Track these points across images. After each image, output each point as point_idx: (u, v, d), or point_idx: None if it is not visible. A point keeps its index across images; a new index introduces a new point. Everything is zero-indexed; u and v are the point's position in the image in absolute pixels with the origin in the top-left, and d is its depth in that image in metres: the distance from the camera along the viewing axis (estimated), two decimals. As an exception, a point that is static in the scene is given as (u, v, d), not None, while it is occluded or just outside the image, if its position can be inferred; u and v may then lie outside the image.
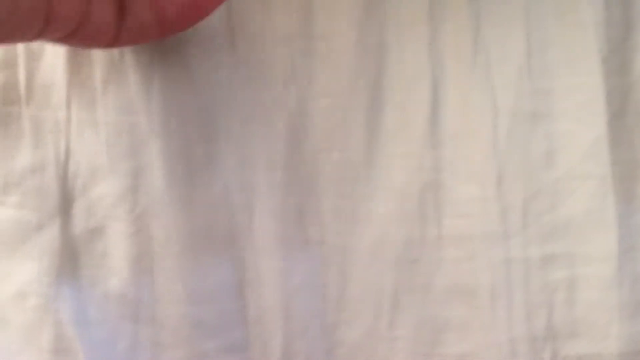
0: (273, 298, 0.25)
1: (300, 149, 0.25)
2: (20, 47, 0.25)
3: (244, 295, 0.25)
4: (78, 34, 0.21)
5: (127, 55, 0.25)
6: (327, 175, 0.25)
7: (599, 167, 0.24)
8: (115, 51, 0.25)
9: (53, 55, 0.25)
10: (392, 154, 0.25)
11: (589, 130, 0.24)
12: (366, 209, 0.25)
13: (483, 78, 0.24)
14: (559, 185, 0.24)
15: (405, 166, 0.25)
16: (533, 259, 0.24)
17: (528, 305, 0.24)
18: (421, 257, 0.25)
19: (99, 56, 0.25)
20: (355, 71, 0.25)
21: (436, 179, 0.25)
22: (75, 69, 0.25)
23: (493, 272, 0.24)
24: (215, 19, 0.25)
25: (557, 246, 0.24)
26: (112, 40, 0.22)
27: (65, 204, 0.25)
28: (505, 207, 0.24)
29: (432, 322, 0.25)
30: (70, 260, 0.25)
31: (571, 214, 0.24)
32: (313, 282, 0.25)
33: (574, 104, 0.24)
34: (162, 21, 0.22)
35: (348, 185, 0.25)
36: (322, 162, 0.25)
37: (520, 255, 0.24)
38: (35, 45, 0.25)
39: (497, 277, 0.24)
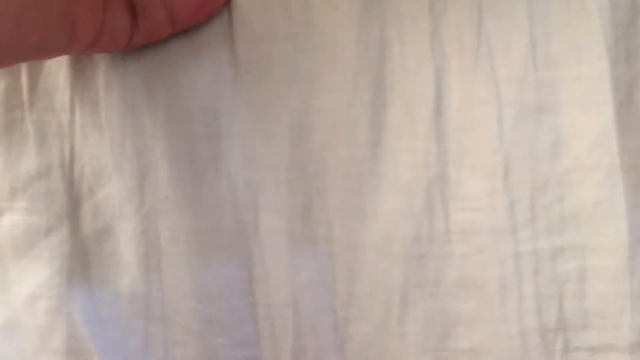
0: (282, 294, 0.25)
1: (305, 146, 0.25)
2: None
3: (253, 292, 0.25)
4: (97, 43, 0.22)
5: (129, 57, 0.25)
6: (333, 172, 0.25)
7: (607, 157, 0.23)
8: (117, 52, 0.25)
9: (55, 59, 0.25)
10: (398, 149, 0.25)
11: (595, 120, 0.24)
12: (373, 204, 0.25)
13: (487, 70, 0.24)
14: (566, 176, 0.24)
15: (410, 161, 0.25)
16: (542, 251, 0.24)
17: (538, 297, 0.24)
18: (429, 252, 0.25)
19: (101, 58, 0.25)
20: (358, 67, 0.25)
21: (442, 173, 0.25)
22: (77, 71, 0.25)
23: (502, 266, 0.24)
24: (216, 19, 0.25)
25: (567, 238, 0.24)
26: (128, 42, 0.23)
27: (73, 206, 0.25)
28: (513, 200, 0.24)
29: (442, 317, 0.25)
30: (81, 262, 0.25)
31: (580, 205, 0.24)
32: (322, 278, 0.25)
33: (580, 94, 0.24)
34: (173, 19, 0.23)
35: (354, 182, 0.25)
36: (327, 159, 0.25)
37: (529, 248, 0.24)
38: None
39: (506, 271, 0.24)
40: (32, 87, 0.25)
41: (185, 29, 0.24)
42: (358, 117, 0.25)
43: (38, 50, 0.20)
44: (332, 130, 0.25)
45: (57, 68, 0.25)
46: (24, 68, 0.25)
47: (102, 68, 0.25)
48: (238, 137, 0.25)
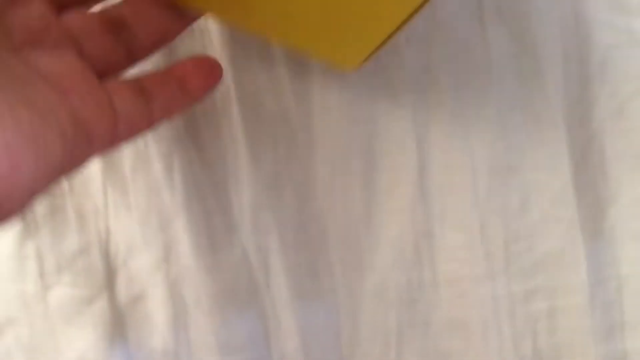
0: (293, 342, 0.29)
1: (308, 212, 0.29)
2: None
3: (268, 343, 0.29)
4: (118, 134, 0.22)
5: (150, 145, 0.28)
6: (333, 232, 0.29)
7: (567, 211, 0.27)
8: (139, 142, 0.29)
9: None
10: (389, 209, 0.28)
11: (556, 179, 0.27)
12: (370, 258, 0.29)
13: (462, 138, 0.28)
14: (534, 228, 0.28)
15: (400, 220, 0.28)
16: (516, 293, 0.28)
17: (515, 334, 0.28)
18: (420, 297, 0.28)
19: (126, 148, 0.29)
20: (350, 141, 0.28)
21: (428, 229, 0.28)
22: (107, 160, 0.29)
23: (483, 307, 0.28)
24: (221, 101, 0.28)
25: (537, 282, 0.28)
26: (149, 123, 0.23)
27: (110, 278, 0.29)
28: (489, 250, 0.28)
29: (433, 354, 0.29)
30: (119, 325, 0.29)
31: (547, 253, 0.28)
32: (328, 324, 0.29)
33: (542, 157, 0.28)
34: (187, 90, 0.24)
35: (352, 239, 0.29)
36: (328, 221, 0.29)
37: (505, 291, 0.28)
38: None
39: (486, 312, 0.28)
40: (71, 177, 0.29)
41: (200, 99, 0.25)
42: (352, 183, 0.29)
43: (62, 167, 0.19)
44: (331, 196, 0.29)
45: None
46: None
47: (127, 156, 0.28)
48: (248, 208, 0.29)
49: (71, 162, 0.20)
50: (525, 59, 0.27)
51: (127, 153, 0.28)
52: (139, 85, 0.23)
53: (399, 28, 0.21)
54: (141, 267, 0.29)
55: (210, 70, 0.25)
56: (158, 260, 0.28)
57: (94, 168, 0.29)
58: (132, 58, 0.23)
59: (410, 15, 0.21)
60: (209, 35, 0.28)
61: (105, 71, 0.22)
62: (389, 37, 0.22)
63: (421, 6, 0.20)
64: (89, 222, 0.29)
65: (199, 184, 0.28)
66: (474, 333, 0.28)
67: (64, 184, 0.29)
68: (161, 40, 0.23)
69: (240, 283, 0.29)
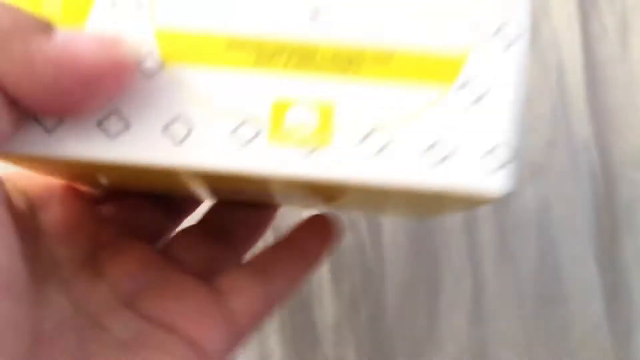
0: None
1: (381, 329, 0.34)
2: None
3: None
4: (240, 333, 0.21)
5: None
6: (401, 347, 0.34)
7: (601, 339, 0.32)
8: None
9: None
10: (449, 329, 0.34)
11: (592, 312, 0.33)
12: None
13: (509, 271, 0.34)
14: (575, 352, 0.33)
15: (459, 338, 0.34)
16: None
17: None
18: None
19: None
20: (416, 270, 0.34)
21: (482, 347, 0.33)
22: None
23: None
24: None
25: None
26: (272, 303, 0.22)
27: None
28: None
29: None
30: None
31: None
32: None
33: (579, 292, 0.33)
34: (306, 259, 0.24)
35: (417, 354, 0.34)
36: (397, 338, 0.34)
37: None
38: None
39: None
40: None
41: (320, 262, 0.25)
42: (417, 306, 0.34)
43: None
44: (400, 316, 0.34)
45: None
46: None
47: None
48: (330, 325, 0.34)
49: None
50: (562, 211, 0.34)
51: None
52: (255, 269, 0.22)
53: None
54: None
55: (326, 229, 0.24)
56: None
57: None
58: (237, 253, 0.24)
59: None
60: None
61: (216, 271, 0.22)
62: None
63: None
64: None
65: (290, 304, 0.34)
66: None
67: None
68: (261, 234, 0.26)
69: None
